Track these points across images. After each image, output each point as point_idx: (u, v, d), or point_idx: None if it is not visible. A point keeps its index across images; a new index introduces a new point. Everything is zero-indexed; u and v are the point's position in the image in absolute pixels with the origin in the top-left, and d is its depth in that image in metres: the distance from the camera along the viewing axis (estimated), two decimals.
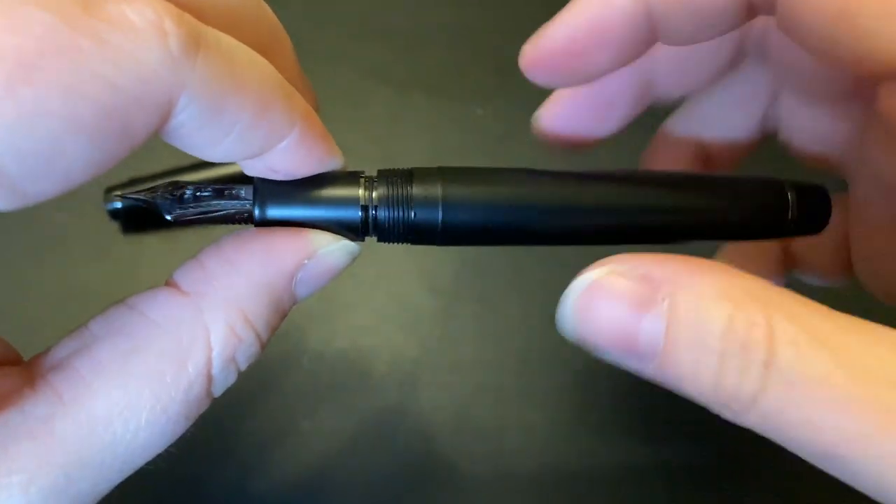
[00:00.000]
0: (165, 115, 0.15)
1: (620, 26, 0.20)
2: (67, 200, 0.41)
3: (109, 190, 0.36)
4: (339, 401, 0.34)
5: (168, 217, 0.19)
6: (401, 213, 0.19)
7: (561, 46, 0.21)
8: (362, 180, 0.20)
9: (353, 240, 0.20)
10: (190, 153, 0.17)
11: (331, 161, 0.19)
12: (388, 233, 0.20)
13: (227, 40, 0.16)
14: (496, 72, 0.42)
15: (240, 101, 0.16)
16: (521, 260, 0.37)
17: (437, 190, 0.20)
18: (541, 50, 0.21)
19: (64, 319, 0.19)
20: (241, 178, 0.19)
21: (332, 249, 0.19)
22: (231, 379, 0.18)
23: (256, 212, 0.19)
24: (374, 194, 0.19)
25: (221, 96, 0.16)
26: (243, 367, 0.18)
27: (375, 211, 0.19)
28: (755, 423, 0.16)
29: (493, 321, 0.36)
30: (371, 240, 0.20)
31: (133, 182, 0.36)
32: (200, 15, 0.16)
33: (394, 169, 0.20)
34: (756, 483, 0.33)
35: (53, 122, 0.14)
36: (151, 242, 0.37)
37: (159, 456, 0.17)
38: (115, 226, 0.37)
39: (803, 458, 0.16)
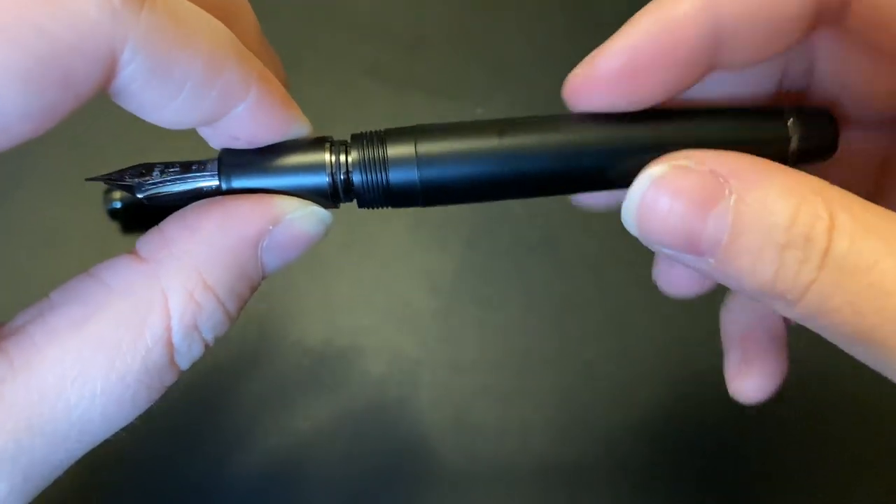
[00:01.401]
0: (110, 68, 0.15)
1: (687, 43, 0.19)
2: (67, 200, 0.41)
3: (108, 190, 0.36)
4: (339, 400, 0.34)
5: (139, 196, 0.19)
6: (378, 177, 0.19)
7: (620, 66, 0.19)
8: (328, 145, 0.19)
9: (328, 207, 0.19)
10: (143, 117, 0.17)
11: (295, 128, 0.19)
12: (368, 198, 0.19)
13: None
14: (496, 72, 0.42)
15: (188, 58, 0.16)
16: (521, 260, 0.37)
17: (411, 149, 0.19)
18: (598, 70, 0.19)
19: None
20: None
21: (299, 215, 0.19)
22: (196, 349, 0.18)
23: (222, 183, 0.19)
24: (348, 158, 0.19)
25: (168, 51, 0.15)
26: (209, 337, 0.18)
27: (349, 176, 0.19)
28: (803, 313, 0.17)
29: (493, 321, 0.36)
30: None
31: None
32: None
33: (367, 132, 0.19)
34: (758, 479, 0.33)
35: None
36: None
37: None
38: (115, 226, 0.37)
39: (840, 345, 0.17)
